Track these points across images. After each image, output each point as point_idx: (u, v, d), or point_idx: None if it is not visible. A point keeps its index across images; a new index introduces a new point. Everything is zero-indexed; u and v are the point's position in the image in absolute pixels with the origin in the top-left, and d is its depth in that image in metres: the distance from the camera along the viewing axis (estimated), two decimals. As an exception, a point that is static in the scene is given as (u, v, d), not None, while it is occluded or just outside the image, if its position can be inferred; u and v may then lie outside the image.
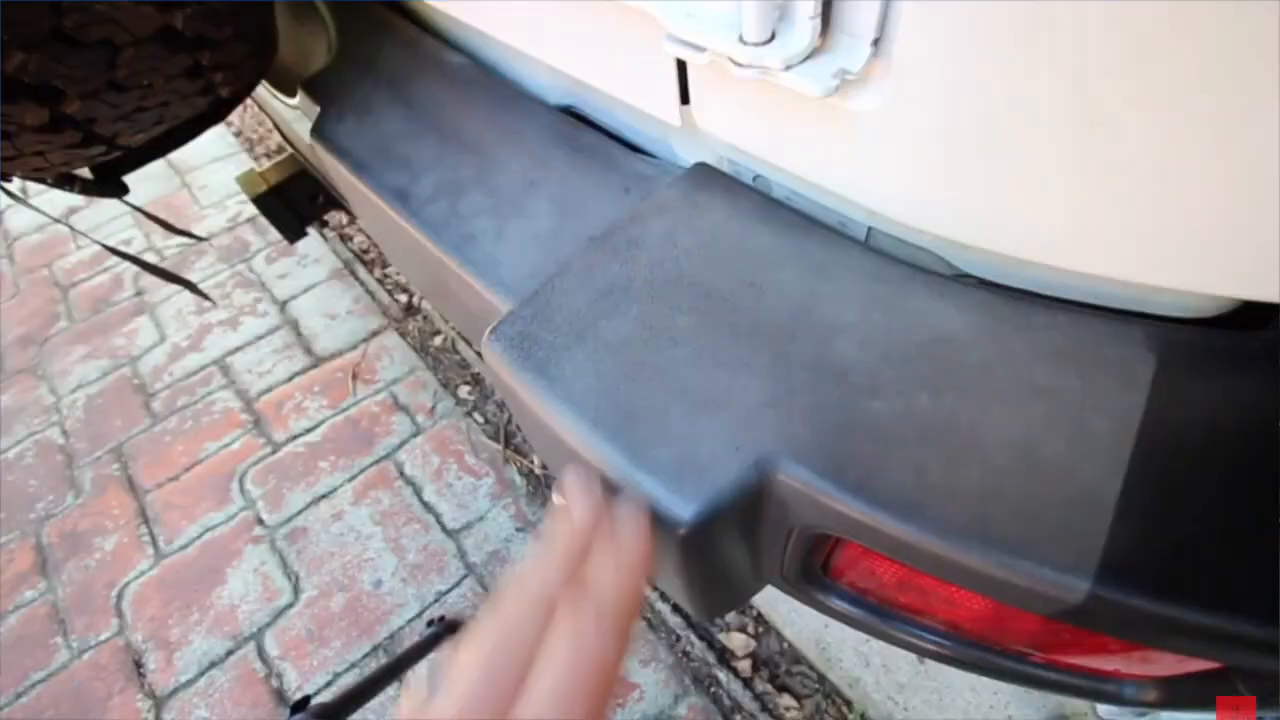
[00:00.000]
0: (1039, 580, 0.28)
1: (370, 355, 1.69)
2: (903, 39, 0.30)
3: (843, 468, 0.32)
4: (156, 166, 2.39)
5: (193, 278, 1.93)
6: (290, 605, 1.30)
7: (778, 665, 1.22)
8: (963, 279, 0.40)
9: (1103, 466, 0.30)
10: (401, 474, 1.47)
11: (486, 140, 0.58)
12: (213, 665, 1.24)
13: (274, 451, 1.52)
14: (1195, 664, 0.36)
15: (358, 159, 0.60)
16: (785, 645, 1.23)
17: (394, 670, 1.00)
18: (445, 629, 1.19)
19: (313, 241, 1.98)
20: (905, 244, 0.41)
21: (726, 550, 0.39)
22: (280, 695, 1.20)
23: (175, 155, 2.43)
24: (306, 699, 0.77)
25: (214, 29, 0.60)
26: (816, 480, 0.32)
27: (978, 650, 0.44)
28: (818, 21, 0.31)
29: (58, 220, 1.14)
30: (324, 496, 1.44)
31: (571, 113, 0.63)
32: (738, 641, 1.24)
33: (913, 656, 1.17)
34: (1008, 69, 0.28)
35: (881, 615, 0.45)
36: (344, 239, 1.98)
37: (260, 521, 1.42)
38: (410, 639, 1.23)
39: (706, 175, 0.47)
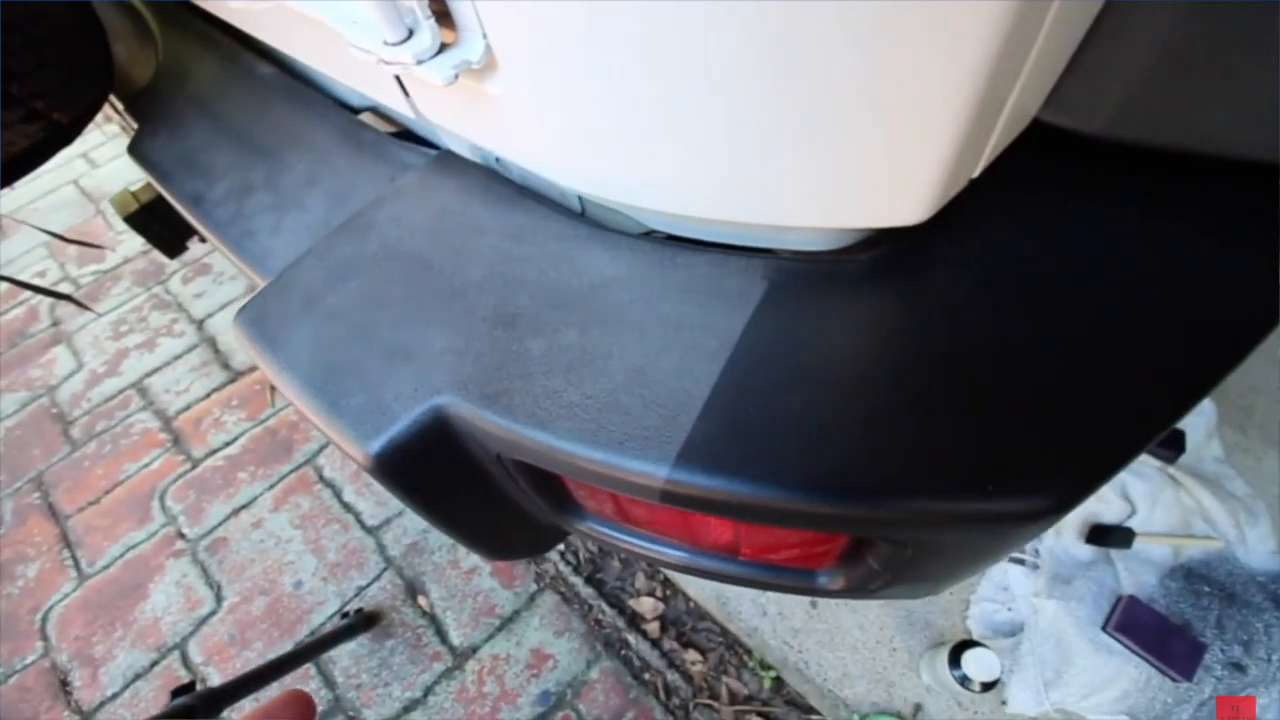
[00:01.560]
0: (632, 472, 0.35)
1: (289, 366, 1.71)
2: (493, 34, 0.35)
3: (494, 396, 0.38)
4: (70, 194, 2.38)
5: (109, 303, 1.94)
6: (213, 613, 1.33)
7: (684, 624, 1.28)
8: (649, 235, 0.46)
9: (700, 377, 0.37)
10: (321, 478, 1.51)
11: (280, 145, 0.63)
12: (138, 677, 1.27)
13: (193, 467, 1.54)
14: (833, 548, 0.43)
15: (164, 170, 0.64)
16: (690, 604, 1.30)
17: (293, 660, 1.04)
18: (361, 620, 1.24)
19: (225, 263, 1.99)
20: (605, 208, 0.47)
21: (452, 483, 0.45)
22: (205, 699, 1.23)
23: (88, 183, 2.41)
24: (191, 684, 0.81)
25: (14, 62, 0.63)
26: (474, 409, 0.38)
27: (705, 558, 0.50)
28: (432, 21, 0.36)
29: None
30: (244, 506, 1.47)
31: (377, 113, 0.68)
32: (646, 605, 1.30)
33: (805, 603, 1.25)
34: (579, 52, 0.34)
35: (627, 534, 0.51)
36: (261, 254, 2.00)
37: (181, 536, 1.44)
38: (330, 633, 1.27)
39: (446, 161, 0.52)
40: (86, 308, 1.12)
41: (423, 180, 0.51)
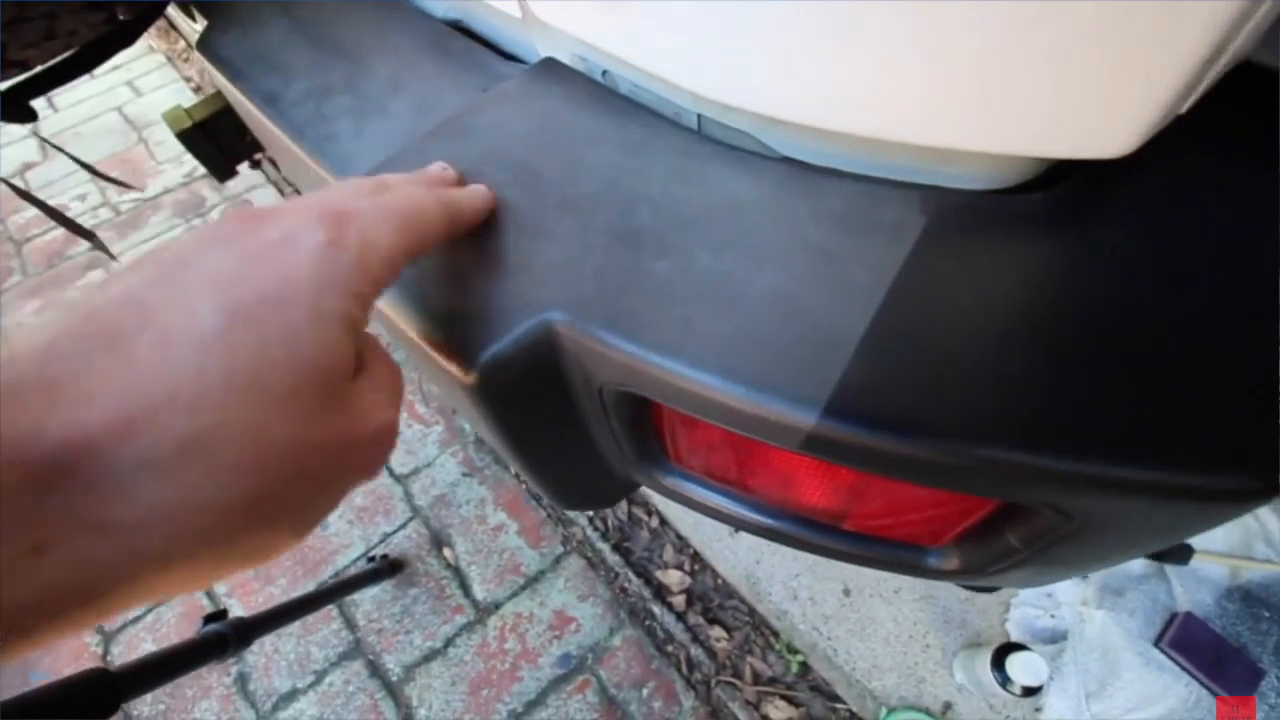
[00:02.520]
0: (776, 413, 0.30)
1: (324, 308, 1.69)
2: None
3: (618, 319, 0.34)
4: (113, 121, 2.37)
5: (147, 233, 1.93)
6: (237, 546, 1.32)
7: (711, 600, 1.25)
8: (781, 161, 0.42)
9: (854, 313, 0.32)
10: (351, 422, 1.49)
11: (361, 49, 0.58)
12: (160, 603, 1.27)
13: (225, 400, 1.53)
14: (970, 519, 0.39)
15: (235, 67, 0.60)
16: (719, 581, 1.27)
17: (322, 598, 1.03)
18: (387, 566, 1.22)
19: (269, 198, 1.97)
20: (730, 129, 0.43)
21: (541, 416, 0.41)
22: (226, 630, 1.23)
23: (132, 111, 2.40)
24: (223, 611, 0.79)
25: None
26: (593, 330, 0.34)
27: (800, 525, 0.46)
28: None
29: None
30: (274, 443, 1.46)
31: (459, 27, 0.63)
32: (674, 578, 1.28)
33: (838, 590, 1.21)
34: None
35: (716, 491, 0.47)
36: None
37: (210, 467, 1.43)
38: (353, 576, 1.26)
39: (549, 69, 0.48)
40: (107, 253, 1.08)
41: (524, 87, 0.46)
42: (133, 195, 2.03)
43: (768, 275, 0.34)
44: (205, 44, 0.64)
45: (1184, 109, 0.32)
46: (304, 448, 0.20)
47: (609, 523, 1.34)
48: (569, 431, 0.45)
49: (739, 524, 0.49)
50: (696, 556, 1.30)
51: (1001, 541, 0.38)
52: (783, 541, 0.49)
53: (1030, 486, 0.30)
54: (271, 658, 1.20)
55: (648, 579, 1.28)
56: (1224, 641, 1.02)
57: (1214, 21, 0.25)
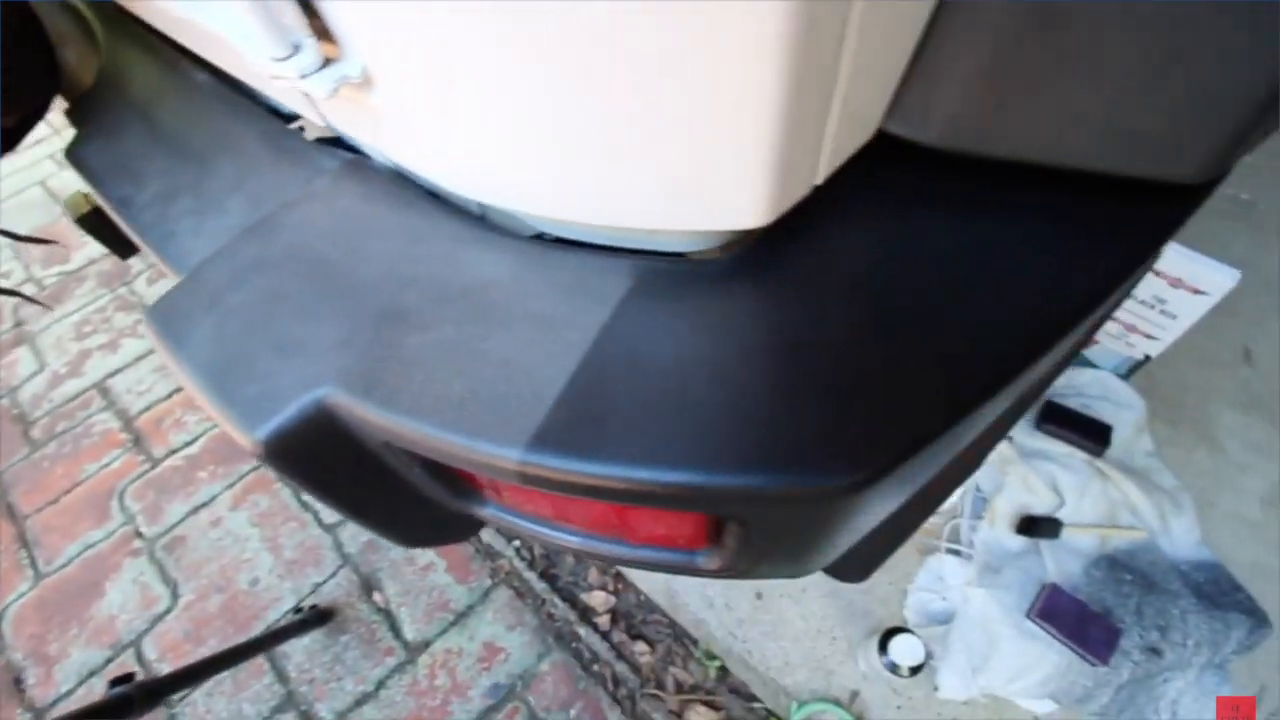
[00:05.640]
0: (491, 455, 0.38)
1: (252, 366, 1.73)
2: (367, 52, 0.39)
3: (374, 388, 0.41)
4: (37, 195, 2.37)
5: (73, 304, 1.94)
6: (168, 610, 1.34)
7: (634, 616, 1.31)
8: (540, 237, 0.50)
9: (560, 368, 0.40)
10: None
11: (210, 151, 0.65)
12: (92, 674, 1.28)
13: (153, 467, 1.55)
14: (696, 528, 0.47)
15: (97, 174, 0.67)
16: (641, 598, 1.33)
17: (246, 651, 1.06)
18: (314, 616, 1.26)
19: (195, 260, 2.00)
20: (500, 213, 0.51)
21: (348, 470, 0.48)
22: (159, 695, 1.25)
23: (55, 184, 2.40)
24: (130, 675, 0.83)
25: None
26: (355, 400, 0.41)
27: (592, 540, 0.53)
28: (314, 39, 0.40)
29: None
30: (203, 505, 1.48)
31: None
32: (598, 599, 1.33)
33: (751, 594, 1.28)
34: (447, 69, 0.37)
35: (521, 518, 0.54)
36: (227, 256, 2.01)
37: (139, 534, 1.45)
38: (284, 629, 1.28)
39: (356, 166, 0.55)
40: (43, 305, 1.13)
41: (333, 184, 0.54)
42: (57, 269, 2.05)
43: (497, 342, 0.42)
44: (73, 153, 0.71)
45: (819, 179, 0.41)
46: None
47: (535, 552, 1.40)
48: (384, 480, 0.52)
49: (552, 545, 0.56)
50: (619, 577, 1.36)
51: (726, 544, 0.46)
52: (592, 558, 0.56)
53: (697, 500, 0.38)
54: (204, 717, 1.22)
55: (573, 602, 1.34)
56: (1085, 607, 1.11)
57: (773, 121, 0.32)
